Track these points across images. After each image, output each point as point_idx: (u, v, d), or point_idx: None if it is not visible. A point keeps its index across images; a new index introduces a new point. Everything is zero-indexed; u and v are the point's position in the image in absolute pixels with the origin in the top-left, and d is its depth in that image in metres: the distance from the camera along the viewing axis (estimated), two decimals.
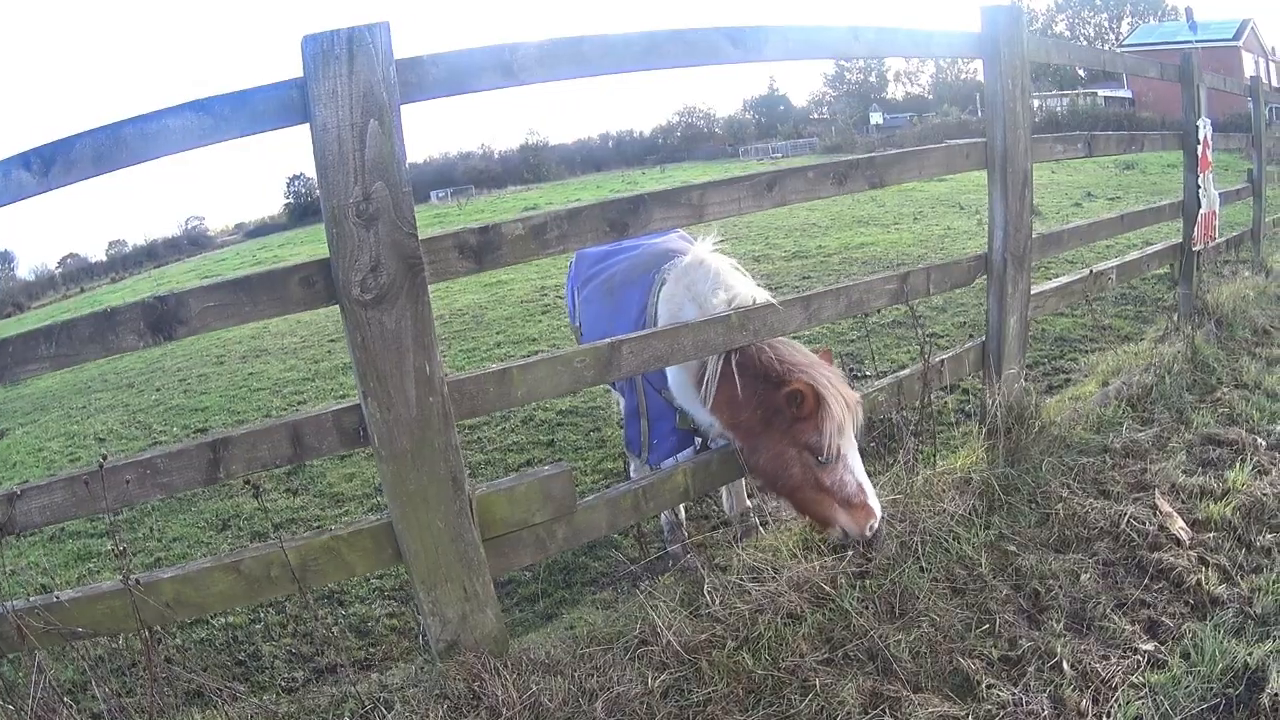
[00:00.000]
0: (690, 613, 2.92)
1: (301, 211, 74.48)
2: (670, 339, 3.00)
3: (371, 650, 3.77)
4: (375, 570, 3.40)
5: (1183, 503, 3.59)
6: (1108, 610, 2.92)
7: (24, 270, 73.94)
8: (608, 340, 2.90)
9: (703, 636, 2.79)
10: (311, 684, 3.56)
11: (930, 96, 77.28)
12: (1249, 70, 38.69)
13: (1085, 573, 3.11)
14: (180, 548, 5.17)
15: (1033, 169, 4.04)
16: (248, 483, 2.72)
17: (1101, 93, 50.22)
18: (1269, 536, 3.28)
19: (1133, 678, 2.61)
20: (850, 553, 3.11)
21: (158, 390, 10.22)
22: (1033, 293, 4.27)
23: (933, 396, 3.88)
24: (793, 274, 11.02)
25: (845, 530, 3.02)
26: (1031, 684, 2.60)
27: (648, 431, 3.69)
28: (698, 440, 3.63)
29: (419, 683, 2.79)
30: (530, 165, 74.72)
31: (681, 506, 3.79)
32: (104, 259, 73.94)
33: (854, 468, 3.02)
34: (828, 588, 2.96)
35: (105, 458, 2.43)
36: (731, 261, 3.61)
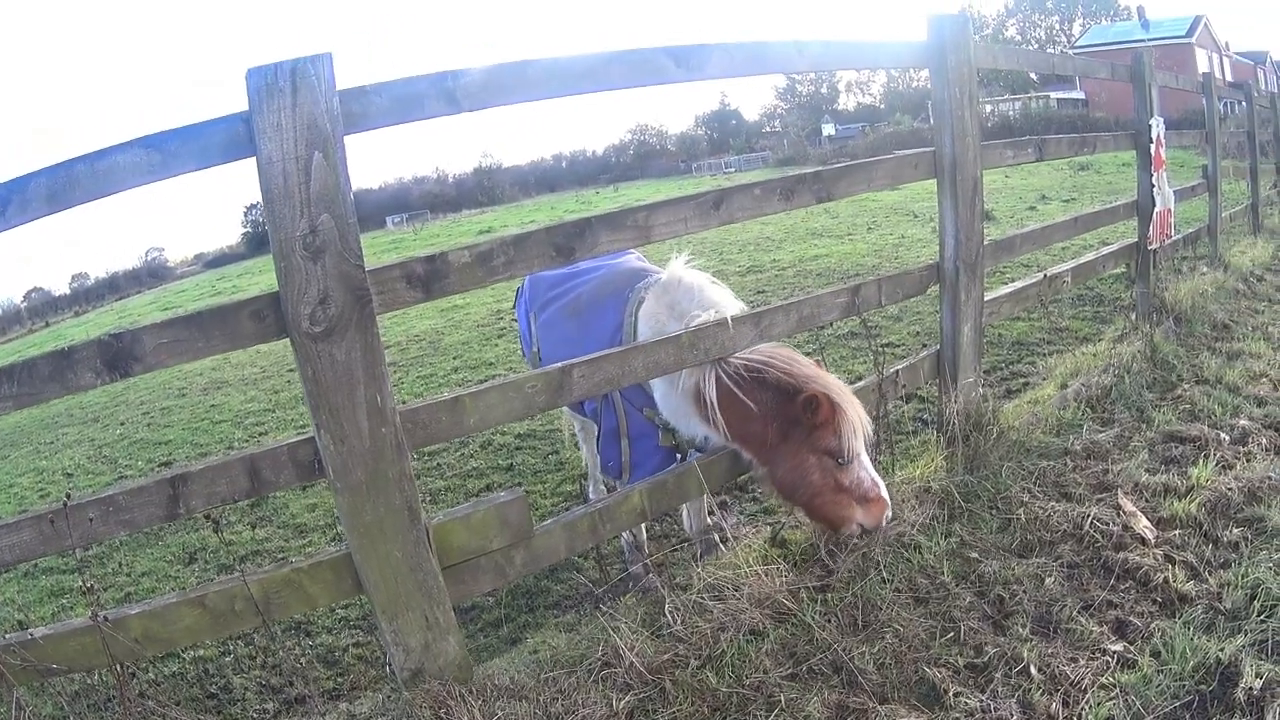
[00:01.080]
0: (652, 633, 2.92)
1: (259, 241, 73.70)
2: (620, 361, 3.01)
3: (340, 680, 3.75)
4: (337, 601, 3.40)
5: (1147, 501, 3.61)
6: (1074, 612, 2.93)
7: None
8: (559, 364, 2.90)
9: (665, 656, 2.79)
10: (282, 715, 3.57)
11: (882, 106, 77.96)
12: (1202, 67, 39.24)
13: (1050, 576, 3.12)
14: (149, 582, 5.14)
15: (983, 175, 4.08)
16: (208, 518, 2.69)
17: (1054, 95, 50.78)
18: (1235, 531, 3.31)
19: (1103, 679, 2.61)
20: (815, 568, 3.14)
21: (122, 424, 10.13)
22: (986, 299, 4.31)
23: (889, 407, 3.89)
24: (747, 289, 11.03)
25: (862, 525, 3.17)
26: (999, 690, 2.60)
27: (629, 451, 3.67)
28: (677, 456, 3.63)
29: (386, 712, 2.78)
30: (484, 188, 74.60)
31: (642, 527, 3.79)
32: (68, 292, 73.26)
33: (868, 465, 3.17)
34: (789, 603, 2.96)
35: (69, 496, 2.42)
36: (709, 276, 3.63)
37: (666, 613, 2.96)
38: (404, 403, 2.63)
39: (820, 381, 3.16)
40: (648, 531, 4.10)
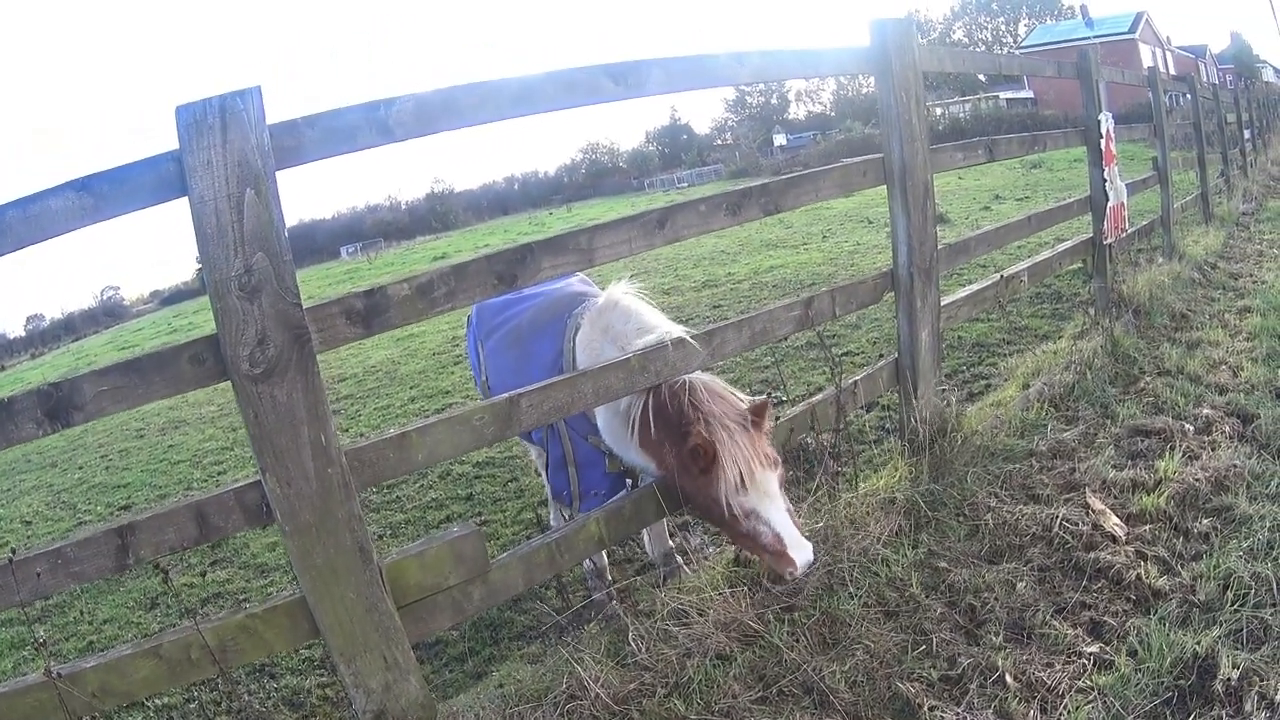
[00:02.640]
0: (617, 662, 2.86)
1: None
2: (569, 388, 2.94)
3: None
4: (295, 647, 3.32)
5: (1115, 498, 3.61)
6: (1047, 617, 2.91)
7: None
8: (506, 395, 2.84)
9: (632, 686, 2.73)
10: None
11: (833, 114, 78.86)
12: (1146, 61, 39.99)
13: (1021, 581, 3.10)
14: (112, 629, 5.04)
15: (933, 179, 4.06)
16: (157, 567, 2.61)
17: (1003, 95, 51.51)
18: (1205, 521, 3.32)
19: (1079, 682, 2.60)
20: (778, 587, 3.07)
21: (80, 469, 9.95)
22: (943, 303, 4.29)
23: (848, 420, 3.85)
24: (703, 304, 11.06)
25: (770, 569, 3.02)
26: (975, 701, 2.58)
27: (577, 480, 3.61)
28: (628, 482, 3.57)
29: None
30: (438, 214, 74.06)
31: (603, 553, 3.72)
32: (23, 334, 72.06)
33: (770, 519, 2.95)
34: (756, 625, 2.91)
35: (14, 552, 2.36)
36: (645, 299, 3.59)
37: (631, 641, 2.91)
38: (362, 435, 2.57)
39: (717, 426, 3.02)
40: (609, 556, 4.03)
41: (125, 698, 2.56)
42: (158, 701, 3.99)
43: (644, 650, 2.86)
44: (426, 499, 6.03)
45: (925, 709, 2.56)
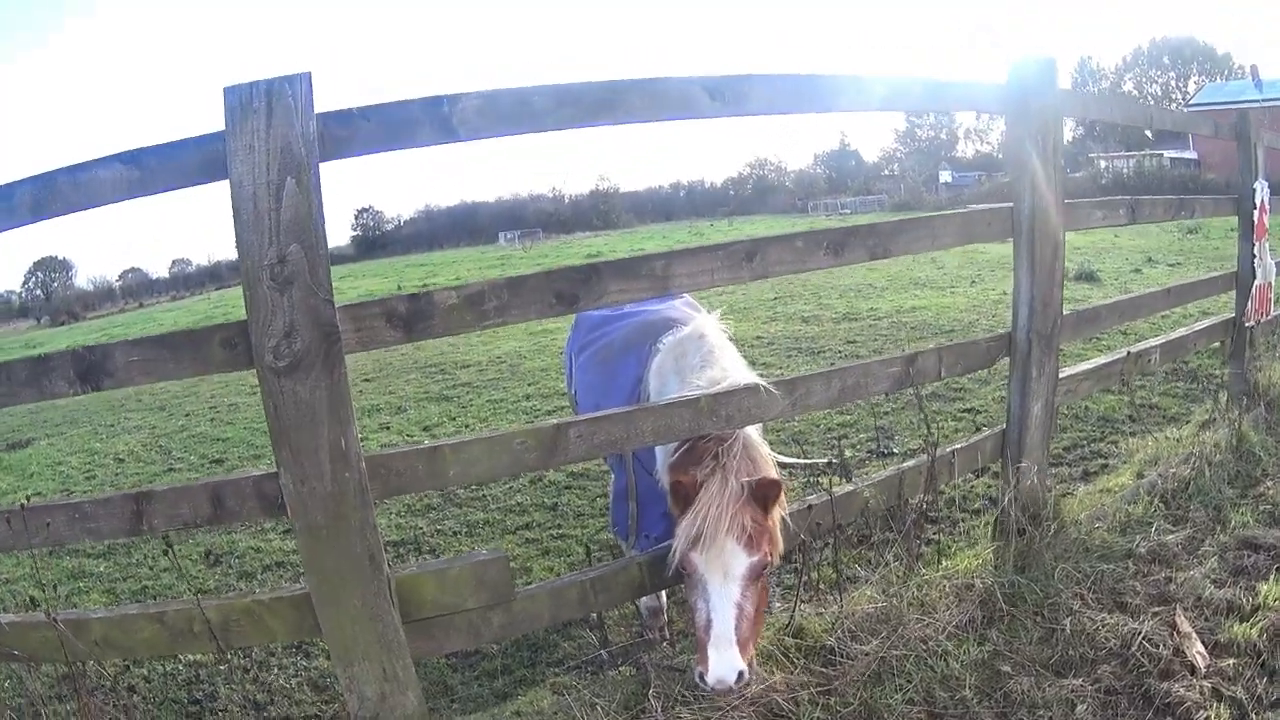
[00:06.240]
0: (630, 718, 2.65)
1: (369, 245, 75.62)
2: (625, 424, 2.73)
3: (325, 707, 3.71)
4: (297, 639, 3.47)
5: (1206, 620, 3.19)
6: None
7: (82, 280, 76.04)
8: (553, 422, 2.66)
9: None
10: None
11: (1000, 155, 76.12)
12: None
13: (1082, 703, 2.73)
14: (169, 578, 5.20)
15: (1065, 237, 3.68)
16: (165, 539, 2.64)
17: (1168, 153, 48.98)
18: None
19: None
20: (818, 667, 2.80)
21: (186, 415, 10.37)
22: (1063, 375, 3.91)
23: (939, 490, 3.53)
24: (839, 337, 10.72)
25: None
26: None
27: (636, 515, 3.39)
28: None
29: None
30: (600, 211, 75.38)
31: (663, 592, 3.49)
32: (166, 276, 75.77)
33: (711, 600, 2.57)
34: (786, 705, 2.64)
35: (29, 499, 2.55)
36: (728, 336, 3.38)
37: (650, 698, 2.68)
38: (375, 450, 2.45)
39: (716, 481, 2.70)
40: (671, 596, 3.79)
41: (126, 653, 2.79)
42: (189, 657, 4.06)
43: (660, 711, 2.62)
44: (511, 502, 5.94)
45: None
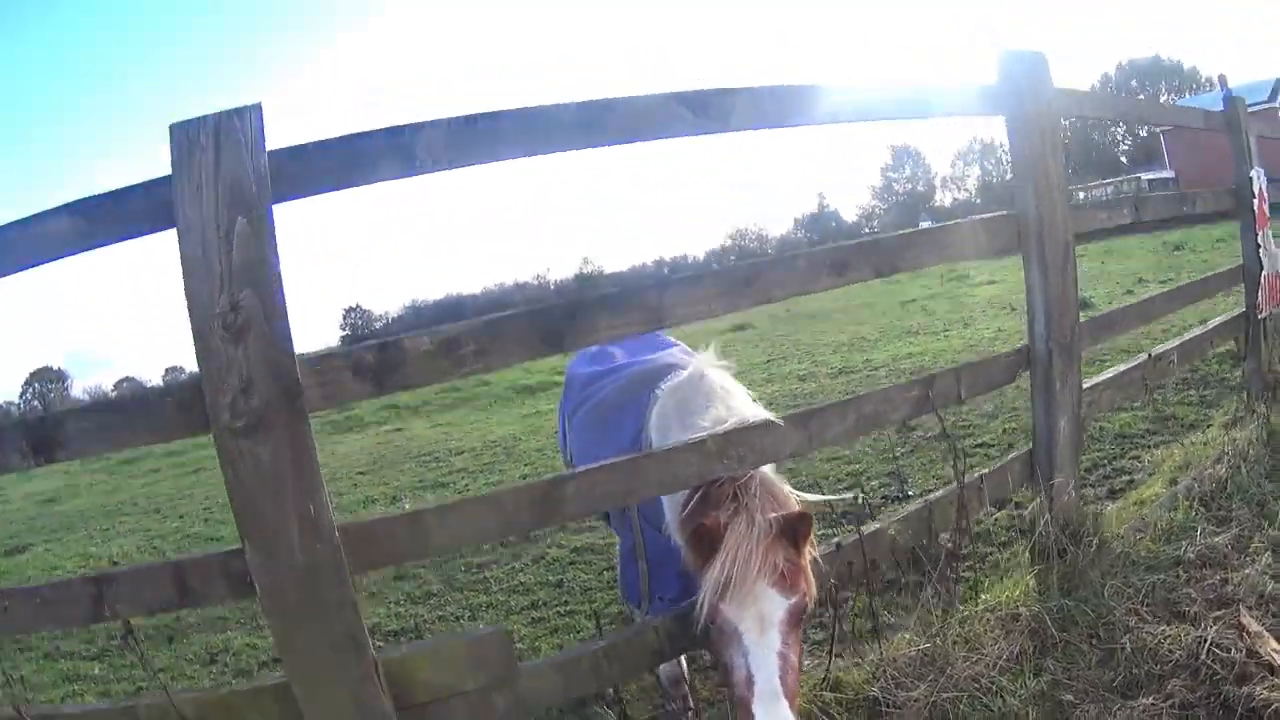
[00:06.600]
0: None
1: (358, 343, 76.59)
2: (629, 475, 2.49)
3: None
4: None
5: (1274, 616, 2.98)
6: None
7: (78, 390, 76.27)
8: (546, 478, 2.44)
9: None
10: None
11: (978, 201, 77.36)
12: None
13: None
14: (164, 678, 4.77)
15: (1074, 242, 3.51)
16: (128, 625, 2.52)
17: (1145, 176, 49.73)
18: None
19: None
20: None
21: (180, 518, 10.19)
22: (1086, 386, 3.71)
23: (970, 520, 3.29)
24: (838, 391, 10.46)
25: None
26: None
27: (648, 577, 3.11)
28: None
29: None
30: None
31: (682, 658, 3.21)
32: (160, 384, 75.85)
33: (749, 651, 2.31)
34: None
35: None
36: (731, 376, 3.13)
37: None
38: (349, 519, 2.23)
39: (742, 522, 2.43)
40: (694, 663, 3.49)
41: None
42: None
43: None
44: (514, 582, 5.67)
45: None
